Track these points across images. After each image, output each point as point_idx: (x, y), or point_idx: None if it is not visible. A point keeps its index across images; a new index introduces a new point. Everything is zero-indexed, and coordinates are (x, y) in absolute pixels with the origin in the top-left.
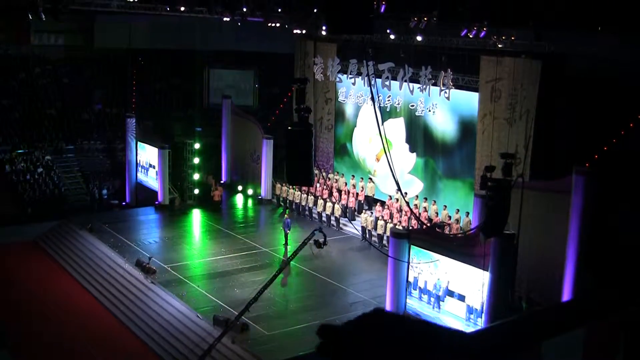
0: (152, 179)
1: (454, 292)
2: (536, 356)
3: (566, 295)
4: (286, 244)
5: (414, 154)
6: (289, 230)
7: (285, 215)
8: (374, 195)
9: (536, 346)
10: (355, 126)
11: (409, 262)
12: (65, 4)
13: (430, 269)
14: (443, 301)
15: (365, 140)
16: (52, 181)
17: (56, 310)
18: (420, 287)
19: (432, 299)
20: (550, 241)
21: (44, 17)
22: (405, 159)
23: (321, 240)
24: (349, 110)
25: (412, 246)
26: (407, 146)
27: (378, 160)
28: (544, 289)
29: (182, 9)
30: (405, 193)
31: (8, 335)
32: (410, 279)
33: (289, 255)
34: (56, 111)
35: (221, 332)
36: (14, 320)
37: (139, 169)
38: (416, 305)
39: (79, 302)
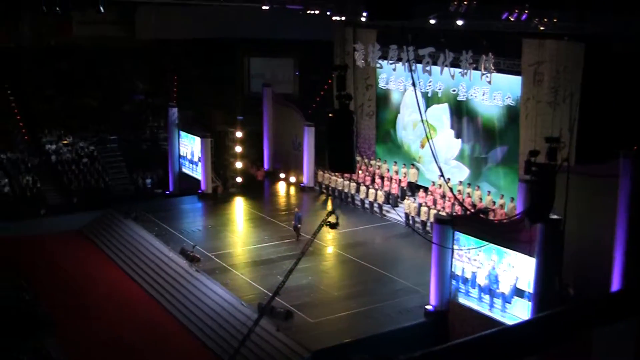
0: (194, 168)
1: (524, 291)
2: (587, 346)
3: (615, 281)
4: (297, 238)
5: (459, 139)
6: (300, 225)
7: (296, 209)
8: (417, 181)
9: (587, 336)
10: (399, 112)
11: (453, 249)
12: None
13: (490, 262)
14: (510, 302)
15: (409, 126)
16: (97, 171)
17: (102, 298)
18: (479, 285)
19: (497, 300)
20: (598, 226)
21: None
22: (451, 145)
23: (334, 221)
24: (391, 96)
25: (465, 235)
26: (452, 132)
27: (422, 146)
28: (592, 275)
29: None
30: (449, 179)
31: (55, 324)
32: (468, 275)
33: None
34: (98, 102)
35: (257, 318)
36: (60, 309)
37: (181, 159)
38: (475, 306)
39: (124, 290)
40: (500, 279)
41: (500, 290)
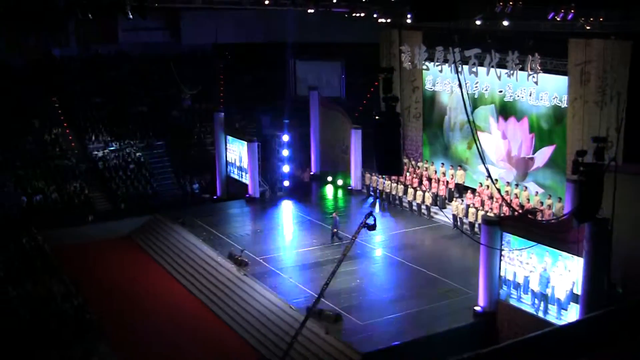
0: (241, 173)
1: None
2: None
3: None
4: (333, 242)
5: (506, 140)
6: (337, 229)
7: (334, 214)
8: (464, 182)
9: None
10: (446, 114)
11: (501, 249)
12: (151, 2)
13: (542, 265)
14: (566, 309)
15: (456, 127)
16: (144, 177)
17: (152, 303)
18: (532, 290)
19: (551, 306)
20: None
21: (130, 15)
22: (498, 146)
23: (371, 223)
24: (437, 98)
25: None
26: (499, 133)
27: (469, 147)
28: None
29: (267, 2)
30: (496, 180)
31: (104, 329)
32: (520, 280)
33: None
34: (147, 108)
35: (304, 320)
36: (110, 315)
37: (229, 164)
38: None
39: (173, 295)
40: (554, 283)
41: (556, 296)
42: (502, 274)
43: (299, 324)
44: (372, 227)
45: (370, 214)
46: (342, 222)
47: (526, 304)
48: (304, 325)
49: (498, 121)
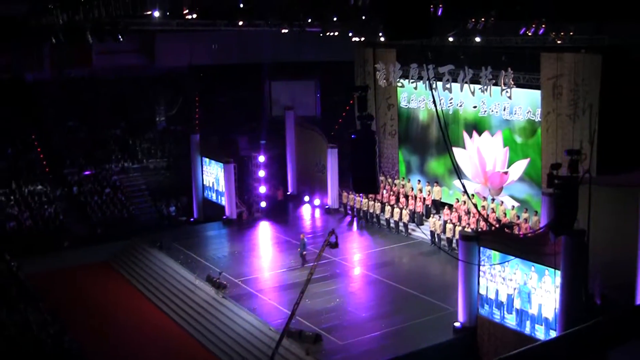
0: (218, 195)
1: None
2: None
3: None
4: (303, 264)
5: (481, 155)
6: (306, 251)
7: (301, 235)
8: (441, 198)
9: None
10: (421, 130)
11: (479, 265)
12: (125, 25)
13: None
14: (555, 329)
15: (431, 144)
16: (120, 201)
17: (131, 328)
18: (516, 309)
19: (539, 326)
20: (622, 236)
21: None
22: (473, 161)
23: (333, 241)
24: (412, 114)
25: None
26: (473, 148)
27: (445, 164)
28: (618, 285)
29: (241, 23)
30: (473, 195)
31: (85, 356)
32: (502, 298)
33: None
34: (121, 131)
35: (278, 340)
36: (89, 341)
37: (205, 185)
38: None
39: (151, 319)
40: (541, 301)
41: (543, 315)
42: (482, 291)
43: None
44: (335, 245)
45: (332, 232)
46: (319, 243)
47: (510, 324)
48: (280, 345)
49: (472, 136)
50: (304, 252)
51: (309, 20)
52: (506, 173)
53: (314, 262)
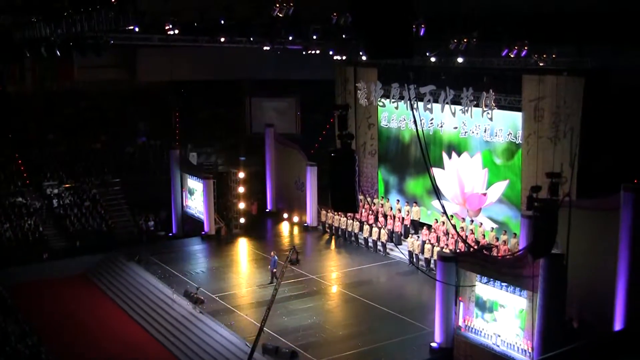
0: (197, 210)
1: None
2: None
3: (619, 314)
4: (271, 282)
5: (459, 176)
6: (276, 269)
7: (272, 253)
8: (419, 218)
9: None
10: (401, 150)
11: (457, 285)
12: (106, 39)
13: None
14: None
15: (410, 164)
16: (99, 214)
17: (107, 342)
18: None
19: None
20: (601, 260)
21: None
22: (452, 182)
23: (294, 258)
24: (393, 134)
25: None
26: (452, 169)
27: (424, 184)
28: (596, 308)
29: (222, 39)
30: (452, 216)
31: None
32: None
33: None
34: (101, 145)
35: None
36: (65, 353)
37: (184, 200)
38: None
39: (128, 333)
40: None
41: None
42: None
43: None
44: (295, 262)
45: (293, 248)
46: (298, 259)
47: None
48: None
49: (451, 157)
50: (274, 270)
51: (291, 38)
52: (485, 194)
53: (279, 280)
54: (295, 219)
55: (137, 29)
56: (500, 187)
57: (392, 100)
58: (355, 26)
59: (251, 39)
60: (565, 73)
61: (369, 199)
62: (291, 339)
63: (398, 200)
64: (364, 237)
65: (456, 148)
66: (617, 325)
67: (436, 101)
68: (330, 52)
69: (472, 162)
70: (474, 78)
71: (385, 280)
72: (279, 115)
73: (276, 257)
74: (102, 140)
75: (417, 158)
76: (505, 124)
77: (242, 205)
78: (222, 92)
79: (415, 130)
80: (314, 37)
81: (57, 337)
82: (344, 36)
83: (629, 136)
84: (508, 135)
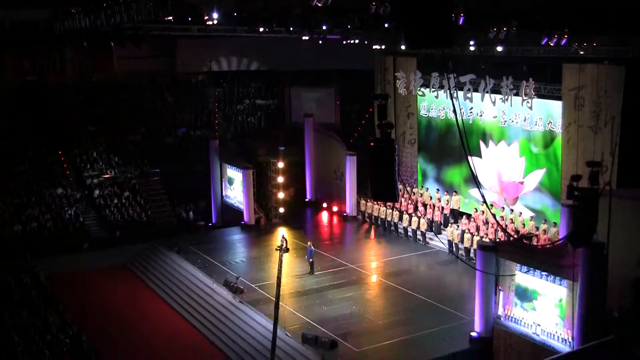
0: (236, 200)
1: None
2: None
3: None
4: (311, 272)
5: (497, 164)
6: (312, 259)
7: (309, 244)
8: (459, 208)
9: None
10: (440, 139)
11: (497, 275)
12: (146, 30)
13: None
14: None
15: (449, 153)
16: (139, 204)
17: (148, 331)
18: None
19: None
20: None
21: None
22: (489, 171)
23: (284, 246)
24: (432, 123)
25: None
26: (490, 157)
27: (461, 173)
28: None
29: (261, 29)
30: (491, 205)
31: (103, 358)
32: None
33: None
34: (141, 136)
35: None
36: (106, 343)
37: (224, 190)
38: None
39: (168, 323)
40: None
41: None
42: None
43: (294, 351)
44: (286, 250)
45: (283, 237)
46: (337, 249)
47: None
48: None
49: (488, 146)
50: (311, 260)
51: (329, 28)
52: (522, 183)
53: (277, 282)
54: (335, 208)
55: (175, 20)
56: (538, 175)
57: (432, 89)
58: (395, 15)
59: (290, 29)
60: (605, 62)
61: (408, 189)
62: (330, 328)
63: (438, 190)
64: (404, 227)
65: (493, 137)
66: None
67: (476, 90)
68: (370, 42)
69: (510, 151)
70: (514, 67)
71: (424, 269)
72: (318, 105)
73: (312, 247)
74: (142, 132)
75: (454, 147)
76: (544, 113)
77: (281, 195)
78: (261, 82)
79: (454, 119)
80: (354, 26)
81: (97, 327)
82: (383, 26)
83: None
84: (548, 124)
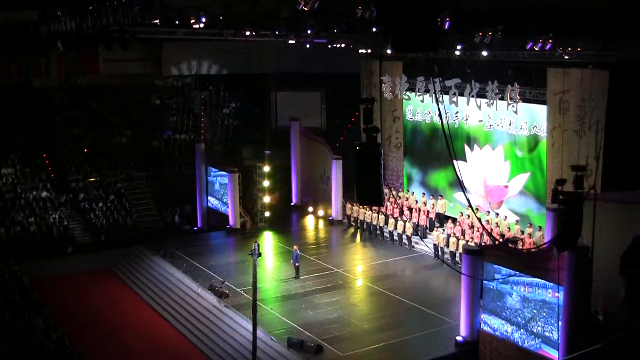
0: (222, 203)
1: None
2: None
3: None
4: (297, 276)
5: (481, 168)
6: (298, 263)
7: (295, 247)
8: (445, 212)
9: None
10: (425, 144)
11: (482, 279)
12: (132, 33)
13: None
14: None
15: (434, 157)
16: (124, 208)
17: (132, 336)
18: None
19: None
20: None
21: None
22: (474, 175)
23: (256, 250)
24: (418, 127)
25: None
26: (474, 161)
27: (446, 177)
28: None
29: (247, 33)
30: (476, 209)
31: None
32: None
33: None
34: (127, 139)
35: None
36: (90, 347)
37: (209, 194)
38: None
39: (153, 327)
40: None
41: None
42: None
43: (279, 355)
44: (258, 255)
45: (255, 241)
46: (323, 254)
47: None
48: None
49: (473, 149)
50: (297, 264)
51: (311, 32)
52: (506, 187)
53: (254, 288)
54: (321, 212)
55: (162, 23)
56: (522, 179)
57: (418, 93)
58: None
59: (276, 32)
60: (590, 66)
61: (394, 192)
62: (316, 332)
63: (423, 194)
64: (389, 231)
65: (478, 141)
66: None
67: (461, 94)
68: (355, 46)
69: (494, 155)
70: (499, 71)
71: (410, 273)
72: (304, 108)
73: (298, 251)
74: (128, 135)
75: (439, 151)
76: (529, 117)
77: (267, 199)
78: (247, 86)
79: (439, 123)
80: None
81: (82, 331)
82: (369, 30)
83: None
84: (533, 128)
